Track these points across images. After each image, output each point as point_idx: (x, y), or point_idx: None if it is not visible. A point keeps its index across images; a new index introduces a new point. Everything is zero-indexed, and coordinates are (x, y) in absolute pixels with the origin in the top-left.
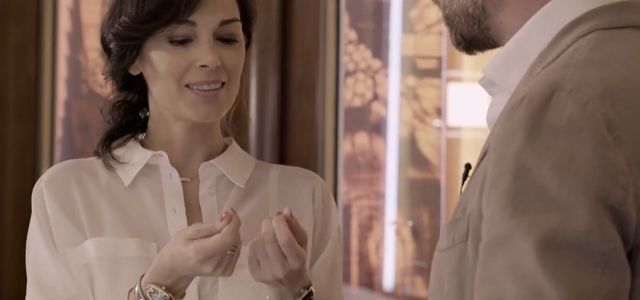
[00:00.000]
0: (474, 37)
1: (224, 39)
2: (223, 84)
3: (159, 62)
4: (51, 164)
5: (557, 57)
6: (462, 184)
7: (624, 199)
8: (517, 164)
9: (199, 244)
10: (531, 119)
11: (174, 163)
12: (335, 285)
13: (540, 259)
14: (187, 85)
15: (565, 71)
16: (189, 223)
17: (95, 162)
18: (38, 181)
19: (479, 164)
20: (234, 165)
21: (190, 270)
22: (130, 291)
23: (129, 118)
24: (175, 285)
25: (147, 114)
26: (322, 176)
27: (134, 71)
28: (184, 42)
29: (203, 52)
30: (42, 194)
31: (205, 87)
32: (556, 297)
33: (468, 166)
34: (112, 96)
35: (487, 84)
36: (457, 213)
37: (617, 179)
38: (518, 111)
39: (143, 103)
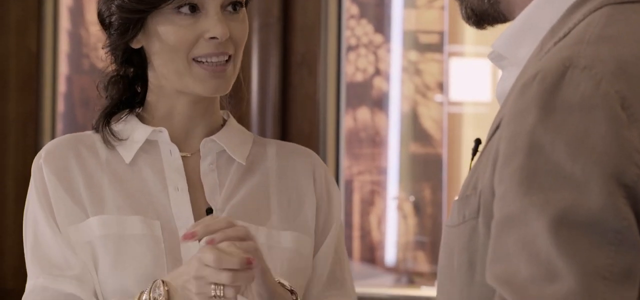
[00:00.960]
0: (484, 11)
1: (230, 8)
2: (229, 57)
3: (166, 35)
4: (52, 139)
5: (569, 32)
6: (472, 159)
7: (637, 177)
8: (531, 141)
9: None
10: (545, 96)
11: (173, 138)
12: (345, 267)
13: (554, 237)
14: (194, 59)
15: (578, 47)
16: (192, 200)
17: (94, 137)
18: (36, 157)
19: (489, 139)
20: (233, 140)
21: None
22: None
23: (128, 94)
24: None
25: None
26: (324, 151)
27: (135, 45)
28: (193, 11)
29: (212, 24)
30: (42, 170)
31: (214, 59)
32: (570, 275)
33: (478, 141)
34: (109, 69)
35: (497, 58)
36: (468, 189)
37: (632, 157)
38: (531, 88)
39: (141, 77)
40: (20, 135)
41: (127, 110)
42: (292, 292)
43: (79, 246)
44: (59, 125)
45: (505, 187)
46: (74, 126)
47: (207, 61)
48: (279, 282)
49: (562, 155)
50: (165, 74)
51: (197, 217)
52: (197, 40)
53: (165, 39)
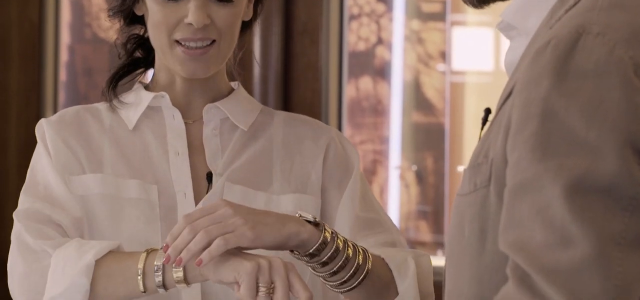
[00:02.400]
0: None
1: None
2: (213, 41)
3: (152, 13)
4: (55, 108)
5: (579, 0)
6: (482, 128)
7: None
8: (545, 107)
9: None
10: (558, 62)
11: (177, 105)
12: (378, 208)
13: (569, 203)
14: (176, 40)
15: (591, 14)
16: (192, 165)
17: (101, 107)
18: (41, 120)
19: (500, 107)
20: (238, 108)
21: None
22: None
23: (141, 52)
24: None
25: None
26: (326, 121)
27: (138, 11)
28: None
29: (191, 10)
30: (43, 127)
31: (192, 44)
32: (584, 241)
33: (488, 111)
34: (122, 28)
35: (506, 27)
36: (479, 158)
37: None
38: (544, 55)
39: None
40: (22, 105)
41: (142, 70)
42: (317, 223)
43: (74, 197)
44: (61, 95)
45: (519, 154)
46: (76, 95)
47: (186, 45)
48: (299, 215)
49: (576, 122)
50: (155, 48)
51: (196, 182)
52: (178, 23)
53: (152, 15)
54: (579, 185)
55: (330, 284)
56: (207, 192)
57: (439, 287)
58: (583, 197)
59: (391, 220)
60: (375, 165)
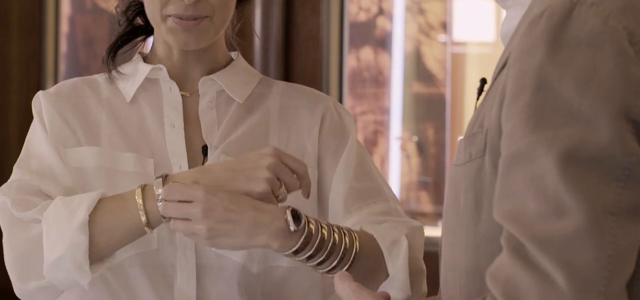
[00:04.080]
0: None
1: None
2: (207, 16)
3: None
4: (55, 79)
5: None
6: (477, 99)
7: None
8: (539, 78)
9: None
10: (552, 32)
11: (174, 77)
12: (376, 177)
13: (562, 173)
14: (168, 14)
15: None
16: (187, 138)
17: (99, 79)
18: (38, 93)
19: (495, 78)
20: (234, 80)
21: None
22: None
23: (141, 20)
24: None
25: None
26: (327, 91)
27: None
28: None
29: None
30: (40, 101)
31: (183, 19)
32: (578, 211)
33: (483, 81)
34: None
35: None
36: (474, 128)
37: (639, 93)
38: (538, 25)
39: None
40: (23, 75)
41: (141, 38)
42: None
43: (69, 170)
44: (62, 66)
45: (513, 124)
46: (76, 66)
47: (178, 15)
48: (290, 209)
49: (570, 92)
50: (149, 20)
51: (191, 155)
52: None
53: None
54: (572, 155)
55: (319, 270)
56: (202, 165)
57: (435, 257)
58: (577, 167)
59: (389, 187)
60: (376, 136)
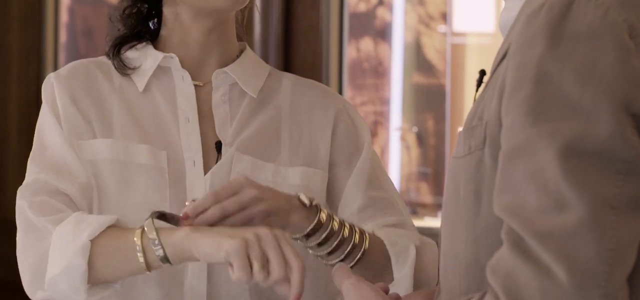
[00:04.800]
0: None
1: None
2: None
3: None
4: (55, 69)
5: None
6: (476, 90)
7: None
8: (538, 71)
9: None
10: (552, 25)
11: (187, 66)
12: (389, 188)
13: (563, 166)
14: None
15: None
16: (202, 132)
17: (110, 63)
18: (48, 76)
19: (495, 70)
20: (247, 73)
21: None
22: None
23: (141, 27)
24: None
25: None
26: (327, 82)
27: None
28: None
29: None
30: (53, 86)
31: None
32: (578, 204)
33: (482, 72)
34: (123, 3)
35: None
36: (474, 120)
37: None
38: (538, 17)
39: (154, 13)
40: (22, 66)
41: (140, 40)
42: (311, 205)
43: (83, 162)
44: (62, 56)
45: (513, 118)
46: (76, 56)
47: None
48: (298, 198)
49: (570, 85)
50: None
51: (205, 150)
52: None
53: None
54: (573, 148)
55: (327, 262)
56: (216, 162)
57: None
58: (577, 161)
59: (401, 200)
60: (376, 127)
